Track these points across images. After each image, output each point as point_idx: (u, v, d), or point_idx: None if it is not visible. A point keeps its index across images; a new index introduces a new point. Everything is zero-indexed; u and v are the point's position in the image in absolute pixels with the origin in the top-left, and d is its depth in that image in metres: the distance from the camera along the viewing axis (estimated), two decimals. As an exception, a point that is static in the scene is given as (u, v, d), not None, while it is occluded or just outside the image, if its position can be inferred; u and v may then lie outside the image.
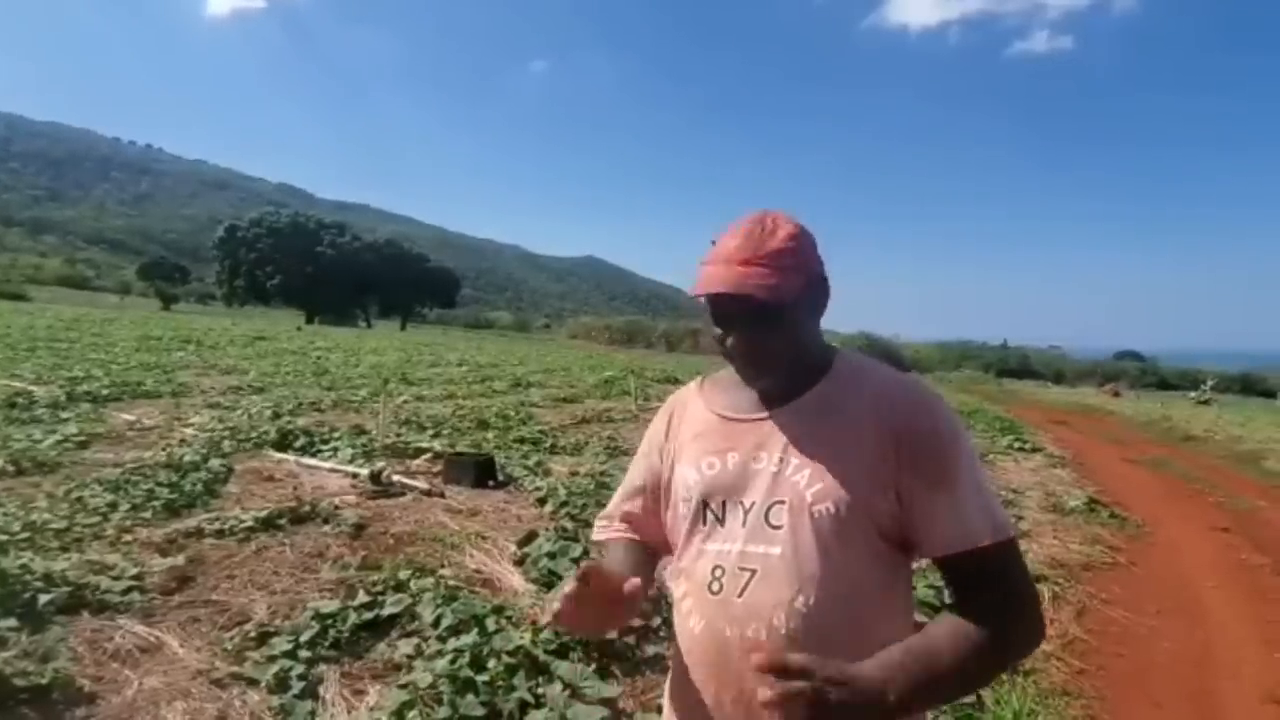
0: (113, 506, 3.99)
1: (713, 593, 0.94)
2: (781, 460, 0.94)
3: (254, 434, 6.30)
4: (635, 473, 1.15)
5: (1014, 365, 56.86)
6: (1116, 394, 35.60)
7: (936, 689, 0.86)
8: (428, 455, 6.06)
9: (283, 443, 6.15)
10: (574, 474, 5.73)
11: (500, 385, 13.06)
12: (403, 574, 3.24)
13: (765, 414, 0.99)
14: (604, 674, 2.61)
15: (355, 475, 5.14)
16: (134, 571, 3.13)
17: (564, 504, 4.72)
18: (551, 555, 3.63)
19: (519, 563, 3.66)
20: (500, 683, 2.38)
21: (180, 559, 3.34)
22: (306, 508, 4.20)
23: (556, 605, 0.90)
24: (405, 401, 9.79)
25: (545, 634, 2.71)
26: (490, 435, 7.45)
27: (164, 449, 5.48)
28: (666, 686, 1.08)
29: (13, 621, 2.58)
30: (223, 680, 2.41)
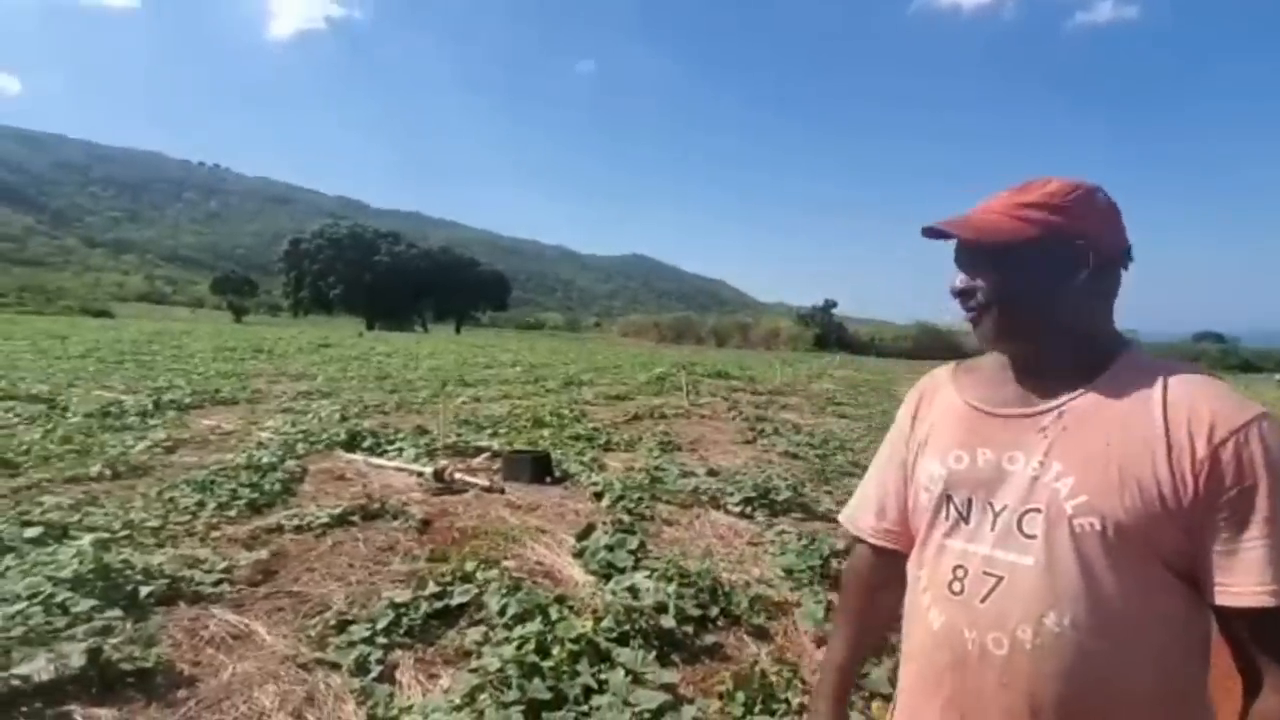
0: (201, 505, 4.26)
1: (953, 592, 0.90)
2: (1042, 464, 0.86)
3: (324, 436, 6.61)
4: (883, 469, 1.10)
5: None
6: (1197, 377, 33.56)
7: None
8: (486, 453, 6.24)
9: (351, 443, 6.44)
10: (628, 469, 5.81)
11: (553, 384, 13.28)
12: (469, 566, 3.37)
13: (1027, 410, 0.91)
14: (664, 661, 2.67)
15: (420, 473, 5.35)
16: (223, 565, 3.35)
17: (620, 498, 4.80)
18: (609, 548, 3.71)
19: (578, 555, 3.76)
20: (564, 668, 2.47)
21: (264, 553, 3.56)
22: (376, 504, 4.40)
23: None
24: (463, 402, 10.08)
25: (606, 622, 2.79)
26: (545, 433, 7.61)
27: (243, 451, 5.81)
28: (900, 676, 1.03)
29: (118, 611, 2.80)
30: (308, 664, 2.57)
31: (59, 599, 2.79)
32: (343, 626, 2.81)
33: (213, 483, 4.70)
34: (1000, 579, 0.87)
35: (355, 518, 4.19)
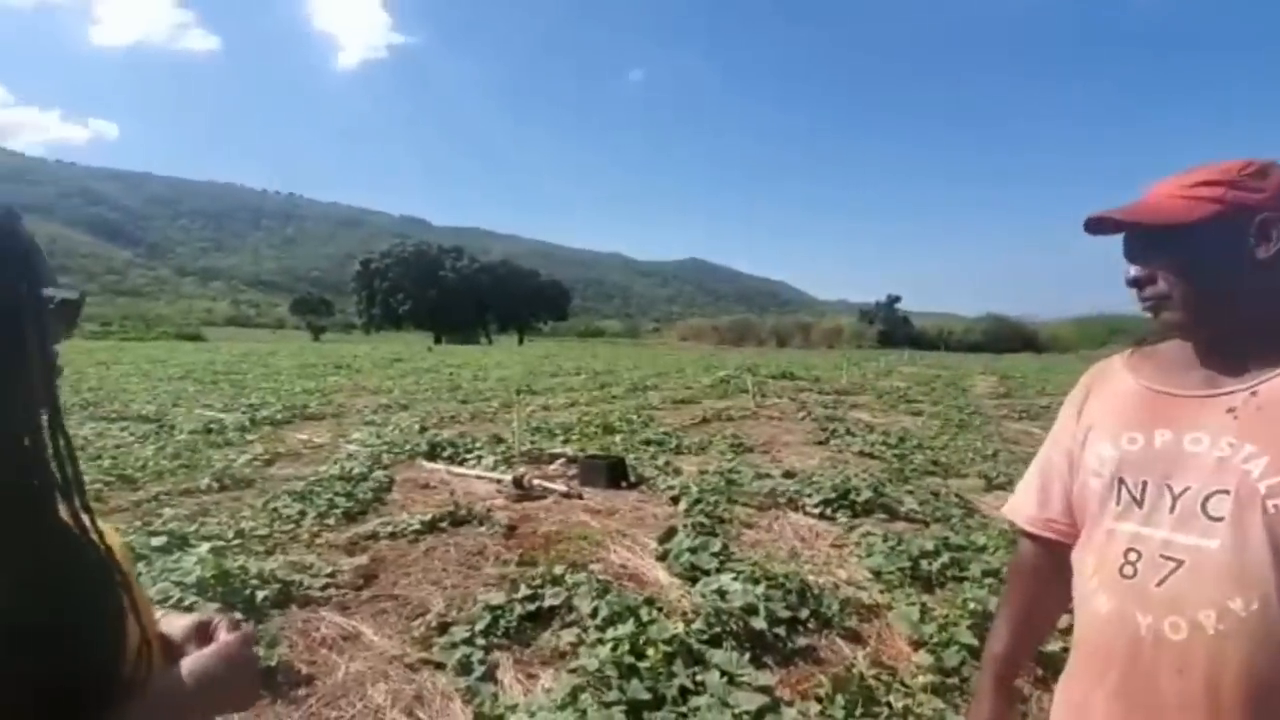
0: (302, 514, 4.51)
1: (1125, 576, 0.88)
2: (1231, 445, 0.83)
3: (406, 446, 6.88)
4: (1047, 460, 1.08)
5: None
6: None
7: None
8: (561, 459, 6.36)
9: (432, 453, 6.68)
10: (703, 472, 5.81)
11: (618, 390, 13.41)
12: (557, 569, 3.45)
13: (1213, 391, 0.88)
14: (757, 663, 2.66)
15: (499, 480, 5.50)
16: (328, 570, 3.54)
17: (697, 501, 4.81)
18: (692, 550, 3.72)
19: (661, 558, 3.79)
20: (660, 669, 2.49)
21: (364, 558, 3.74)
22: (463, 511, 4.55)
23: None
24: (533, 410, 10.30)
25: (697, 624, 2.81)
26: (616, 438, 7.69)
27: (334, 463, 6.11)
28: (1068, 662, 1.01)
29: (239, 614, 3.00)
30: (414, 664, 2.69)
31: (186, 602, 3.00)
32: (443, 628, 2.93)
33: (311, 493, 4.96)
34: (1180, 563, 0.85)
35: (444, 524, 4.35)
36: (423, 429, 8.17)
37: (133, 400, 10.79)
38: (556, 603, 3.12)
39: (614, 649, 2.60)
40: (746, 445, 7.46)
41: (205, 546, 3.72)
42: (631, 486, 5.51)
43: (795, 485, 5.26)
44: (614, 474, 5.55)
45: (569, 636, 2.85)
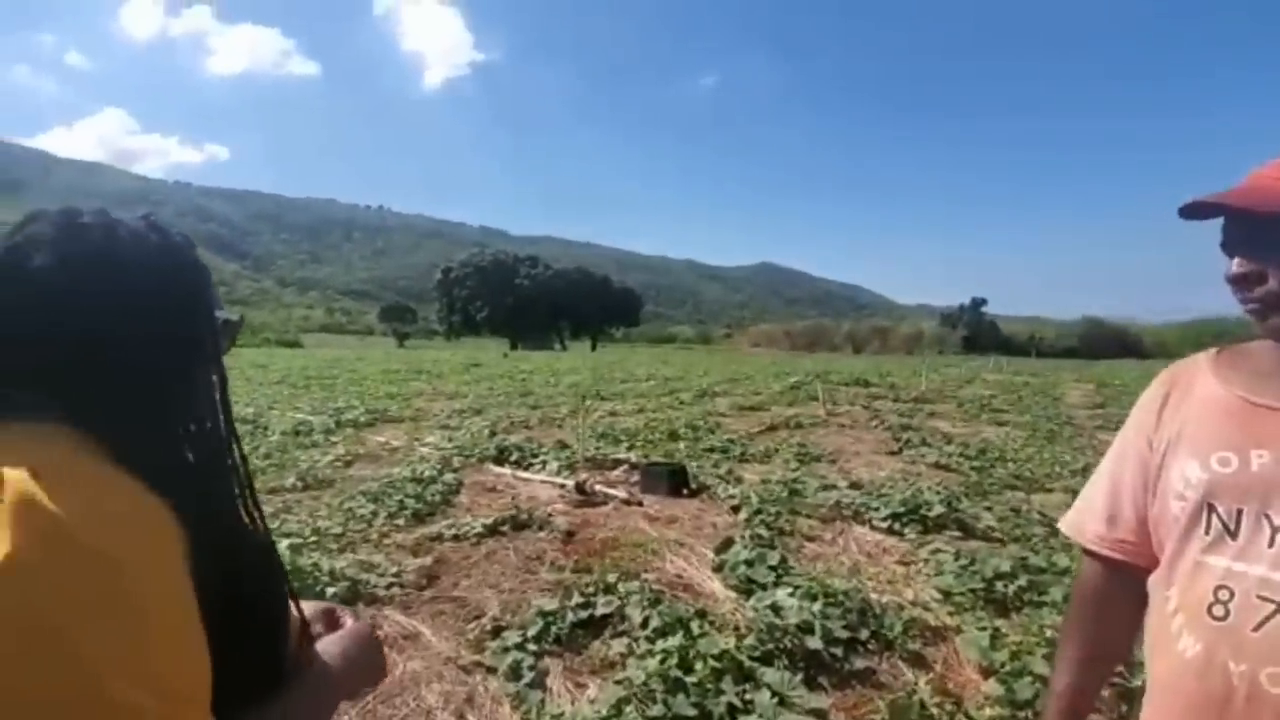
0: (374, 515, 4.71)
1: (1214, 617, 0.79)
2: None
3: (476, 450, 7.08)
4: (1117, 470, 0.97)
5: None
6: None
7: None
8: (624, 466, 6.38)
9: (500, 457, 6.85)
10: (765, 481, 5.70)
11: (686, 397, 13.35)
12: (611, 577, 3.45)
13: None
14: (810, 684, 2.57)
15: (563, 486, 5.57)
16: (394, 570, 3.67)
17: (757, 511, 4.71)
18: (749, 563, 3.65)
19: (717, 569, 3.73)
20: (708, 685, 2.45)
21: (428, 560, 3.86)
22: (524, 515, 4.63)
23: None
24: (600, 416, 10.39)
25: (748, 640, 2.74)
26: (681, 445, 7.65)
27: (408, 465, 6.36)
28: (1144, 711, 0.93)
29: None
30: (467, 667, 2.75)
31: (264, 596, 3.19)
32: (497, 632, 2.98)
33: (384, 494, 5.17)
34: None
35: (505, 528, 4.43)
36: (493, 433, 8.39)
37: (235, 403, 11.58)
38: (609, 611, 3.12)
39: (662, 661, 2.57)
40: (814, 454, 7.26)
41: (284, 544, 3.94)
42: (693, 494, 5.46)
43: (862, 497, 5.07)
44: (675, 481, 5.52)
45: (619, 646, 2.84)
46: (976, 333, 68.38)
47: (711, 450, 7.36)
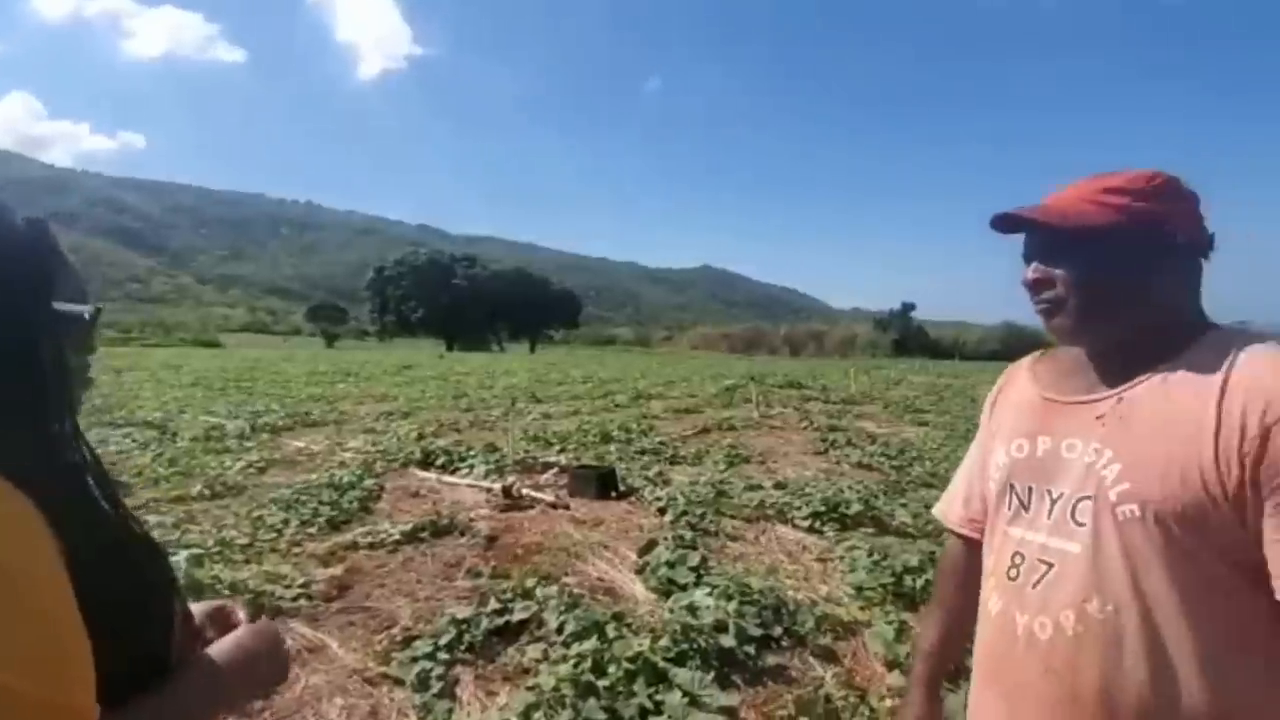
0: (285, 523, 4.50)
1: (1010, 578, 0.91)
2: (1097, 451, 0.84)
3: (401, 454, 6.87)
4: (971, 460, 1.12)
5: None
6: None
7: None
8: (554, 469, 6.32)
9: (426, 461, 6.67)
10: (694, 483, 5.74)
11: (622, 399, 13.35)
12: (529, 582, 3.40)
13: (1088, 397, 0.89)
14: (724, 683, 2.59)
15: (489, 490, 5.47)
16: (301, 580, 3.51)
17: (683, 513, 4.74)
18: (670, 564, 3.66)
19: (639, 571, 3.73)
20: (620, 688, 2.44)
21: (339, 569, 3.71)
22: (446, 521, 4.52)
23: None
24: (534, 419, 10.27)
25: (664, 641, 2.74)
26: (613, 448, 7.64)
27: (327, 471, 6.11)
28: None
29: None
30: (374, 679, 2.65)
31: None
32: (407, 641, 2.88)
33: (297, 501, 4.95)
34: (1051, 566, 0.87)
35: (425, 534, 4.31)
36: (420, 436, 8.17)
37: (141, 406, 10.89)
38: (526, 617, 3.07)
39: (575, 666, 2.54)
40: (744, 455, 7.38)
41: (184, 555, 3.71)
42: (621, 497, 5.46)
43: (786, 497, 5.18)
44: (604, 484, 5.50)
45: (534, 652, 2.80)
46: (906, 336, 71.21)
47: (643, 452, 7.38)
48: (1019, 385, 1.03)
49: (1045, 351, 1.03)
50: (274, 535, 4.30)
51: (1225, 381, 0.78)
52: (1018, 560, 0.91)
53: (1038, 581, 0.88)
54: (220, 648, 0.70)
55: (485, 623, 2.99)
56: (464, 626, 2.94)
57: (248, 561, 3.84)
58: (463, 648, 2.84)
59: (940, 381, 21.17)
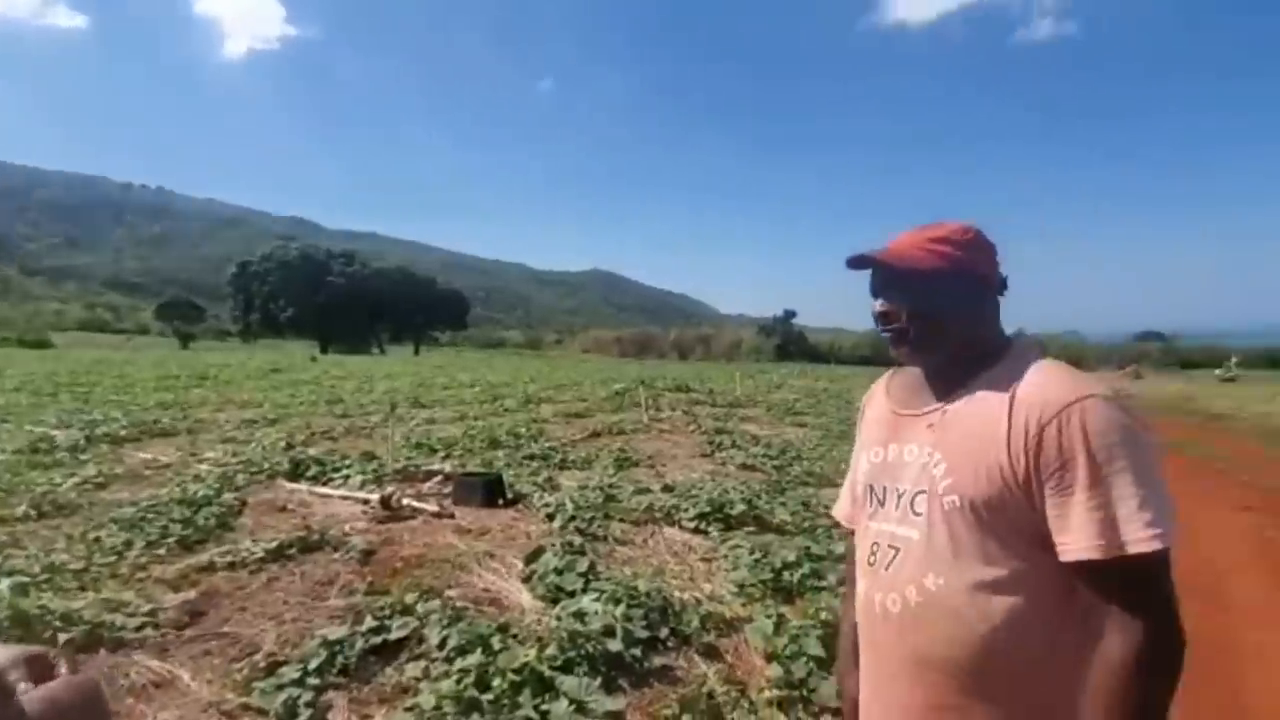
0: (128, 545, 4.04)
1: (870, 564, 1.09)
2: (930, 454, 1.03)
3: (267, 466, 6.37)
4: (852, 464, 1.26)
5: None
6: (1139, 376, 35.04)
7: None
8: (438, 477, 6.10)
9: (295, 473, 6.22)
10: (583, 488, 5.74)
11: (511, 403, 13.12)
12: (409, 597, 3.26)
13: (922, 410, 1.08)
14: (610, 687, 2.61)
15: (366, 501, 5.18)
16: (147, 608, 3.16)
17: (572, 518, 4.72)
18: (559, 571, 3.64)
19: (526, 580, 3.67)
20: (505, 701, 2.39)
21: (192, 593, 3.38)
22: (316, 536, 4.24)
23: None
24: (417, 425, 9.86)
25: (550, 649, 2.71)
26: (501, 454, 7.48)
27: (179, 485, 5.55)
28: None
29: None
30: (232, 711, 2.43)
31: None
32: (272, 668, 2.67)
33: (143, 520, 4.47)
34: (898, 550, 1.05)
35: (293, 551, 4.02)
36: (289, 446, 7.61)
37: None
38: (405, 634, 2.93)
39: (458, 682, 2.47)
40: (633, 459, 7.46)
41: (5, 583, 3.24)
42: (509, 504, 5.35)
43: (673, 500, 5.28)
44: (490, 492, 5.37)
45: (414, 670, 2.68)
46: (788, 341, 74.82)
47: (532, 458, 7.28)
48: (876, 402, 1.22)
49: (897, 371, 1.21)
50: (114, 559, 3.86)
51: (1014, 395, 0.97)
52: (875, 549, 1.09)
53: (889, 564, 1.05)
54: (32, 704, 0.64)
55: (360, 643, 2.83)
56: (336, 648, 2.77)
57: (83, 589, 3.43)
58: (335, 671, 2.67)
59: (818, 385, 22.45)
